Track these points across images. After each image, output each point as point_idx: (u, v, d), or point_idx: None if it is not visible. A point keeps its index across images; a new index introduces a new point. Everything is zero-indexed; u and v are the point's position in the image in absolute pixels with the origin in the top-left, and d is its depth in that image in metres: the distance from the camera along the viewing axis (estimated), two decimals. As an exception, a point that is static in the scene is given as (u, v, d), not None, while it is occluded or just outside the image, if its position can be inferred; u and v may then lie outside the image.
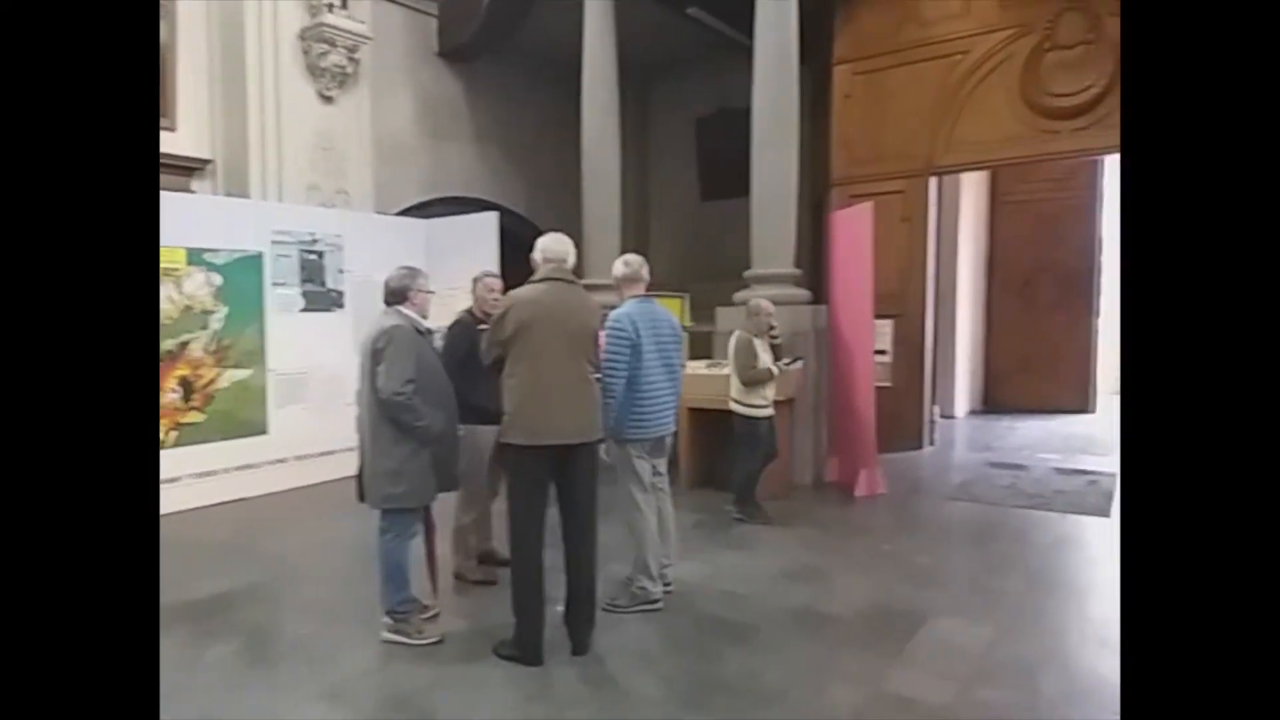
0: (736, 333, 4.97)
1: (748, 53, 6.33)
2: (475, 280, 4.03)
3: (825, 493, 5.94)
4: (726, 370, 5.41)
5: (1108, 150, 6.94)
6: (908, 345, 7.27)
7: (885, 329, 7.14)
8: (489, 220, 6.80)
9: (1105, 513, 5.34)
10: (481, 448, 3.72)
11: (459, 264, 5.72)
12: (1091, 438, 8.02)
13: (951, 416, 9.07)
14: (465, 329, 3.85)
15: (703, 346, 6.46)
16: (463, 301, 4.11)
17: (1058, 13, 6.44)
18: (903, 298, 7.19)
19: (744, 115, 6.31)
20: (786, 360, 5.25)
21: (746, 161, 6.26)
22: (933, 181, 7.25)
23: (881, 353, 6.68)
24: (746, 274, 6.28)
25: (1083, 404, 9.44)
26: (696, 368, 5.81)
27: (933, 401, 7.59)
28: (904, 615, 3.59)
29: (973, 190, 9.35)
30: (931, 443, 7.49)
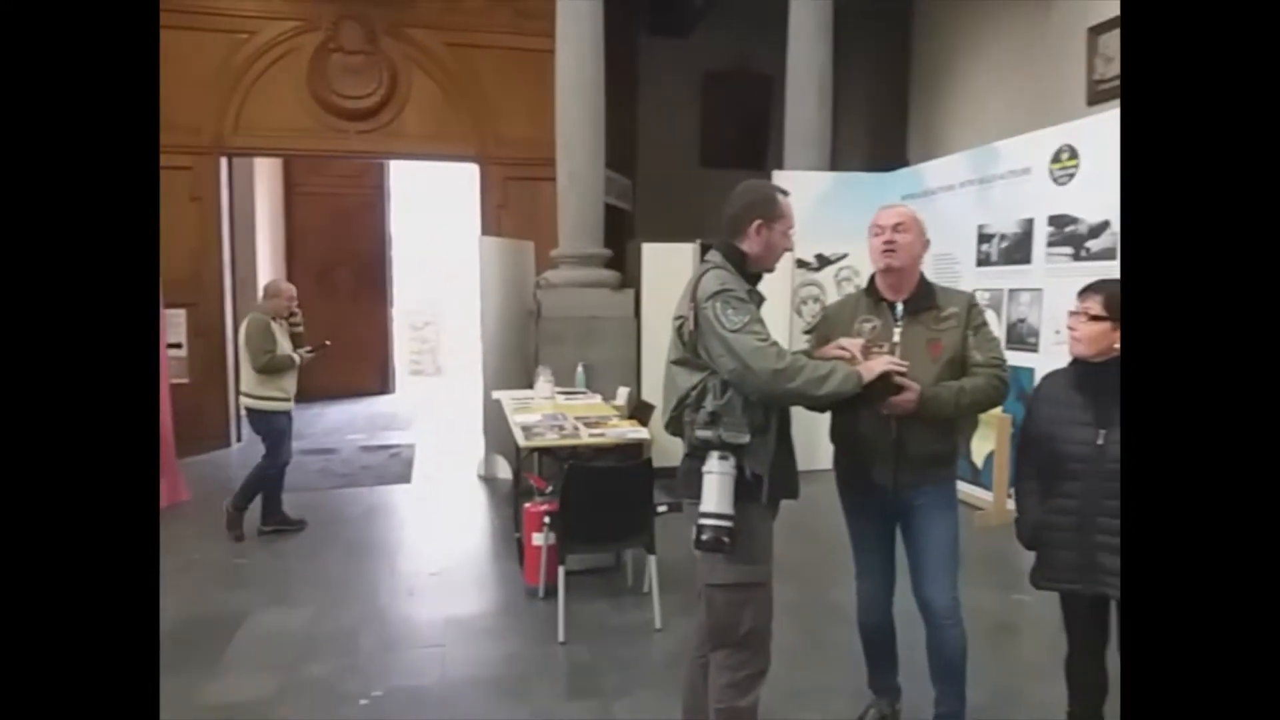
0: (250, 315, 4.32)
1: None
2: None
3: (113, 512, 5.06)
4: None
5: (391, 155, 7.73)
6: (206, 337, 6.73)
7: (178, 319, 6.46)
8: None
9: (407, 479, 6.03)
10: None
11: None
12: (394, 415, 8.89)
13: (260, 409, 8.80)
14: None
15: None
16: None
17: (338, 18, 6.82)
18: (197, 285, 6.62)
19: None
20: (309, 348, 4.60)
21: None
22: (224, 161, 6.84)
23: (176, 346, 6.02)
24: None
25: (384, 386, 10.39)
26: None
27: (238, 395, 7.21)
28: (220, 621, 3.36)
29: (267, 177, 9.17)
30: (239, 439, 7.14)
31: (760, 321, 1.87)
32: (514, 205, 7.30)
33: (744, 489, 1.84)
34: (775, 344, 1.84)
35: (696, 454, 1.88)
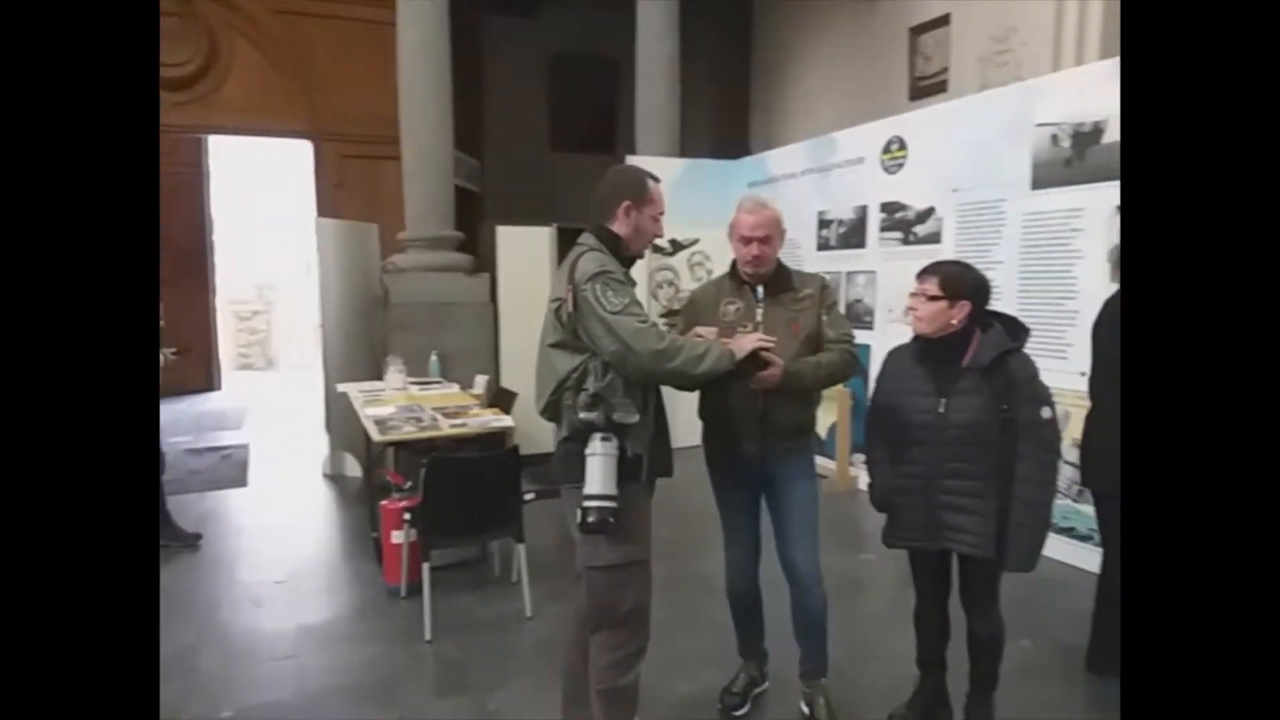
0: None
1: None
2: None
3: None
4: None
5: (211, 129, 7.04)
6: None
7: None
8: None
9: (242, 483, 5.57)
10: None
11: None
12: (222, 414, 8.16)
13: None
14: None
15: None
16: None
17: (143, -28, 6.10)
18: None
19: None
20: (173, 349, 4.22)
21: None
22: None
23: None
24: None
25: (209, 382, 9.50)
26: None
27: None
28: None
29: (58, 150, 8.07)
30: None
31: (639, 304, 1.88)
32: (353, 185, 6.88)
33: (624, 469, 1.85)
34: (655, 325, 1.86)
35: (577, 436, 1.86)
